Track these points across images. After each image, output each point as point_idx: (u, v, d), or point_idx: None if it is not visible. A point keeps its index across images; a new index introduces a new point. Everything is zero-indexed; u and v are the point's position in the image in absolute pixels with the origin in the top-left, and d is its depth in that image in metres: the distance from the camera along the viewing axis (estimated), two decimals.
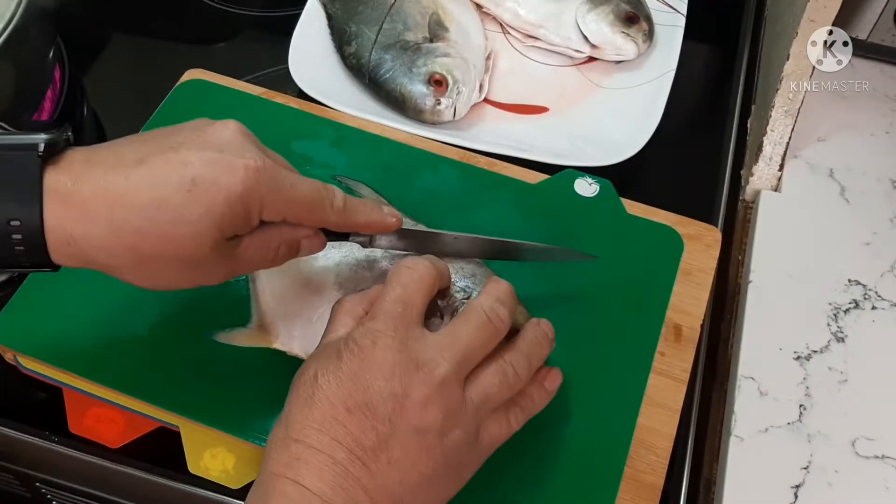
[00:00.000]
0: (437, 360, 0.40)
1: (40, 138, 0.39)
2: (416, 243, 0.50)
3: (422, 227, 0.53)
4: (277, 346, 0.50)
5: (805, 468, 0.51)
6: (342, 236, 0.47)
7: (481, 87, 0.68)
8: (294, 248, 0.44)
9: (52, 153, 0.39)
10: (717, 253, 0.56)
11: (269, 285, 0.52)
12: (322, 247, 0.45)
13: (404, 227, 0.49)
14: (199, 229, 0.39)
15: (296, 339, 0.50)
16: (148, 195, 0.39)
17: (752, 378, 0.54)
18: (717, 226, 0.62)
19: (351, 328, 0.42)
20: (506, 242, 0.52)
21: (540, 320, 0.46)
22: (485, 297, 0.43)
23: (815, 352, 0.56)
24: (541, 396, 0.45)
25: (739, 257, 0.64)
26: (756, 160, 0.64)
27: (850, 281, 0.59)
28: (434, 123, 0.65)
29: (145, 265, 0.40)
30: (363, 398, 0.39)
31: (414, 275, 0.43)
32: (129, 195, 0.39)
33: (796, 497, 0.50)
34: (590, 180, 0.59)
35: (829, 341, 0.56)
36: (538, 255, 0.52)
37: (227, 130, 0.42)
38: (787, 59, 0.59)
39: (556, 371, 0.46)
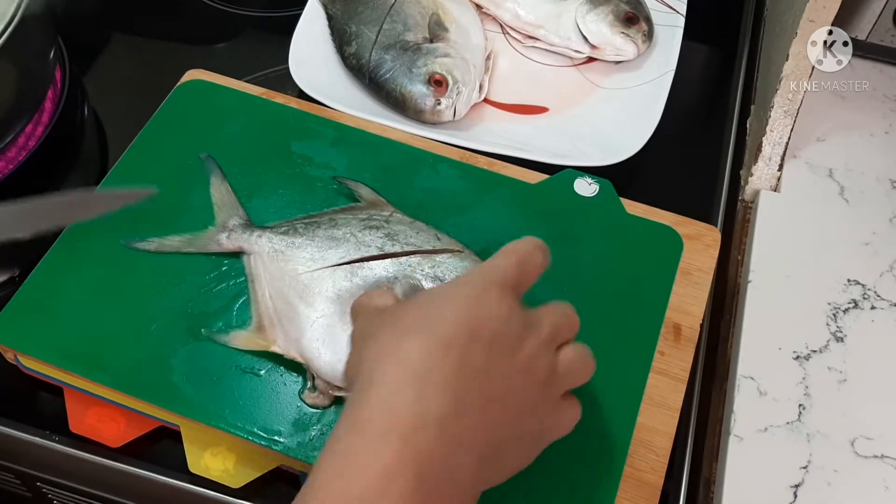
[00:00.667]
0: (542, 323, 0.40)
1: None
2: None
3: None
4: (275, 349, 0.50)
5: (804, 468, 0.51)
6: None
7: (481, 87, 0.68)
8: None
9: None
10: (716, 253, 0.56)
11: (268, 288, 0.52)
12: None
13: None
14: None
15: (293, 342, 0.50)
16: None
17: (752, 378, 0.55)
18: (716, 226, 0.62)
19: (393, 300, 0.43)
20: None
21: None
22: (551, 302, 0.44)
23: (815, 351, 0.56)
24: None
25: (739, 257, 0.64)
26: (755, 160, 0.64)
27: (849, 281, 0.59)
28: (434, 123, 0.65)
29: None
30: (481, 331, 0.38)
31: (532, 258, 0.42)
32: None
33: (795, 496, 0.50)
34: (589, 180, 0.59)
35: (828, 341, 0.56)
36: None
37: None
38: (787, 60, 0.59)
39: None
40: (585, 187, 0.59)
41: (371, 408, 0.37)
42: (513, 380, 0.39)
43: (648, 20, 0.71)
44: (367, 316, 0.44)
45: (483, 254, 0.55)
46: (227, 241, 0.55)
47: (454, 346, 0.38)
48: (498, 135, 0.65)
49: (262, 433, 0.48)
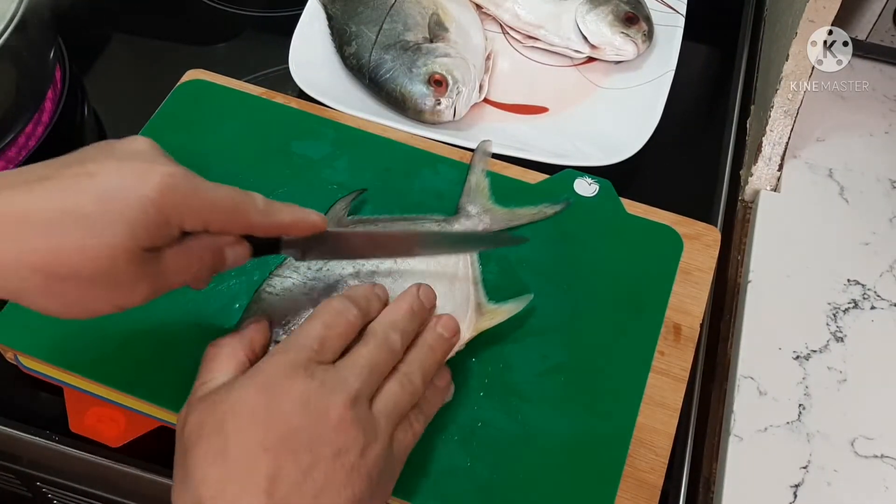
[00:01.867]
0: (347, 380, 0.41)
1: None
2: (348, 247, 0.49)
3: (359, 228, 0.53)
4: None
5: (804, 467, 0.51)
6: (272, 248, 0.45)
7: (481, 87, 0.68)
8: (219, 258, 0.42)
9: None
10: (716, 253, 0.56)
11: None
12: (247, 256, 0.44)
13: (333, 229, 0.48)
14: (113, 240, 0.37)
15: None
16: (56, 208, 0.36)
17: (752, 377, 0.55)
18: (716, 225, 0.62)
19: (235, 374, 0.42)
20: (439, 234, 0.52)
21: (428, 328, 0.46)
22: (377, 322, 0.44)
23: (815, 351, 0.56)
24: (434, 395, 0.46)
25: (739, 257, 0.64)
26: (755, 160, 0.64)
27: (849, 281, 0.59)
28: (434, 123, 0.65)
29: (57, 286, 0.37)
30: (280, 433, 0.38)
31: (340, 318, 0.43)
32: (36, 210, 0.36)
33: (795, 496, 0.50)
34: (589, 180, 0.59)
35: (828, 341, 0.56)
36: (473, 245, 0.53)
37: (137, 143, 0.40)
38: (787, 60, 0.59)
39: (444, 370, 0.47)
40: (585, 187, 0.59)
41: None
42: (334, 469, 0.39)
43: (648, 20, 0.71)
44: (211, 392, 0.42)
45: (483, 254, 0.55)
46: None
47: (257, 473, 0.37)
48: (498, 135, 0.65)
49: None
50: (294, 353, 0.41)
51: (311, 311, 0.48)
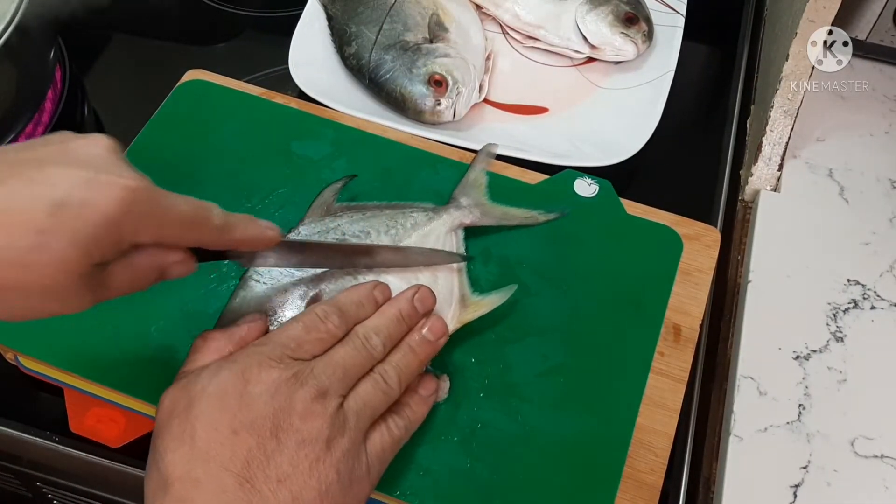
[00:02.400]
0: (318, 376, 0.41)
1: None
2: (299, 257, 0.49)
3: (312, 239, 0.53)
4: None
5: (804, 468, 0.51)
6: (219, 256, 0.44)
7: (481, 87, 0.68)
8: (164, 273, 0.41)
9: None
10: (716, 253, 0.56)
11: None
12: (192, 270, 0.43)
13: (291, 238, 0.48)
14: (65, 256, 0.35)
15: None
16: (6, 219, 0.35)
17: (752, 378, 0.55)
18: (716, 226, 0.62)
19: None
20: (388, 249, 0.52)
21: (415, 330, 0.47)
22: (363, 325, 0.45)
23: (815, 351, 0.56)
24: (417, 403, 0.46)
25: (738, 257, 0.64)
26: (755, 160, 0.64)
27: (849, 281, 0.59)
28: (434, 124, 0.65)
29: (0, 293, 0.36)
30: (248, 417, 0.39)
31: (320, 325, 0.44)
32: None
33: (795, 496, 0.50)
34: (589, 180, 0.59)
35: (828, 341, 0.56)
36: (426, 259, 0.52)
37: (97, 147, 0.38)
38: (787, 60, 0.59)
39: (429, 377, 0.47)
40: (585, 187, 0.59)
41: None
42: (298, 457, 0.39)
43: (648, 20, 0.71)
44: (191, 374, 0.43)
45: (483, 254, 0.55)
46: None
47: (224, 455, 0.38)
48: (498, 135, 0.65)
49: None
50: (270, 348, 0.42)
51: (298, 302, 0.49)
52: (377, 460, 0.43)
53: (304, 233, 0.53)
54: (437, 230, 0.54)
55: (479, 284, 0.53)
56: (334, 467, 0.40)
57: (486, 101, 0.69)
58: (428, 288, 0.48)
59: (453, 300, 0.51)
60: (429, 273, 0.51)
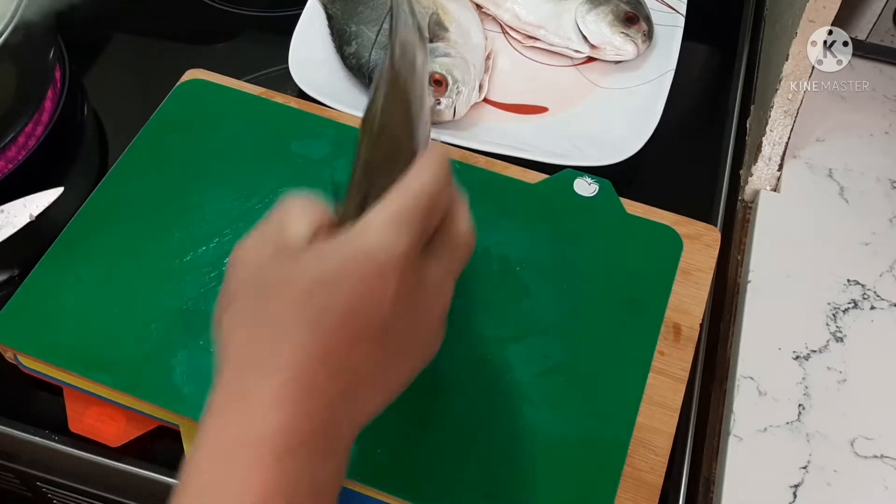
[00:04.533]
0: (441, 283, 0.39)
1: None
2: None
3: None
4: None
5: (804, 468, 0.51)
6: None
7: (481, 87, 0.68)
8: None
9: None
10: (716, 253, 0.56)
11: None
12: None
13: None
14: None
15: None
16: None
17: (751, 377, 0.55)
18: (716, 225, 0.62)
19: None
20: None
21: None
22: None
23: (814, 351, 0.56)
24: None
25: (738, 257, 0.64)
26: (755, 160, 0.64)
27: (849, 281, 0.59)
28: (434, 123, 0.65)
29: None
30: (377, 323, 0.35)
31: (438, 200, 0.39)
32: None
33: (795, 496, 0.50)
34: (589, 180, 0.59)
35: (827, 341, 0.56)
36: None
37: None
38: (787, 60, 0.59)
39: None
40: (585, 187, 0.59)
41: (238, 428, 0.34)
42: (399, 360, 0.37)
43: (648, 20, 0.71)
44: (245, 268, 0.38)
45: (482, 254, 0.55)
46: None
47: (335, 352, 0.34)
48: (498, 135, 0.65)
49: None
50: (392, 248, 0.35)
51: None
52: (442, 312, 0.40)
53: None
54: None
55: (479, 284, 0.53)
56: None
57: (486, 100, 0.69)
58: None
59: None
60: None
